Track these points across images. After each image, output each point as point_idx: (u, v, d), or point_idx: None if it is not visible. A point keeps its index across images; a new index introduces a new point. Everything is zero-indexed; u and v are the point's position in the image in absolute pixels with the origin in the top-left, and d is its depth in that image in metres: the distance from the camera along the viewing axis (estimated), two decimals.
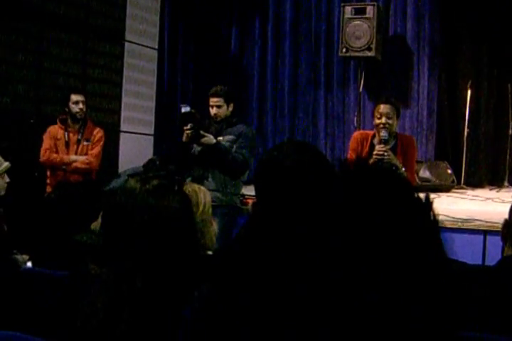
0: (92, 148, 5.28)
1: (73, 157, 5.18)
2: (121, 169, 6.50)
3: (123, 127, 6.96)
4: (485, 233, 4.62)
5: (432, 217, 0.82)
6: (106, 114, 6.71)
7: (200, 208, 2.03)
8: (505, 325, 1.71)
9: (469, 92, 6.67)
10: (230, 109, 4.81)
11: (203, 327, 1.16)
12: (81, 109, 5.21)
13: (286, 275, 0.84)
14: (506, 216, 1.98)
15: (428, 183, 6.19)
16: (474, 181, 6.87)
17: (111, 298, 1.46)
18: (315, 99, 7.58)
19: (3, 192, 3.70)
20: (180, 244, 1.53)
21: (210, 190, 2.71)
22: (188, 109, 4.69)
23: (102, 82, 6.72)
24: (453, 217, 4.68)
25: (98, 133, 5.36)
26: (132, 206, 1.52)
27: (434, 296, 0.80)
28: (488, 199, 5.68)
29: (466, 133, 6.61)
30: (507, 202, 4.60)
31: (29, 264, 2.77)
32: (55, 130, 5.26)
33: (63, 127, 5.25)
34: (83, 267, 1.66)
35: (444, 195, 5.97)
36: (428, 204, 0.82)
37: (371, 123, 4.82)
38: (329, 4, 7.46)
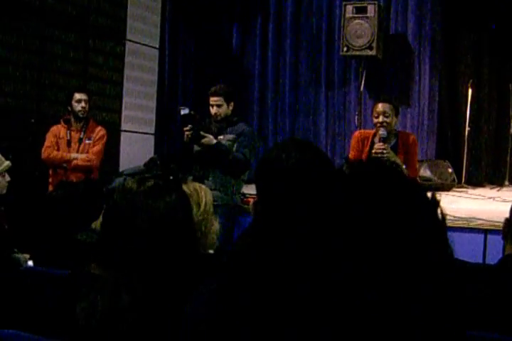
0: (94, 146, 5.28)
1: (74, 154, 5.18)
2: (122, 168, 6.50)
3: (124, 126, 6.96)
4: (486, 232, 4.62)
5: (439, 216, 0.81)
6: (107, 113, 6.71)
7: (202, 207, 2.02)
8: (507, 323, 1.71)
9: (470, 91, 6.67)
10: (231, 107, 4.81)
11: (204, 326, 1.16)
12: (83, 108, 5.21)
13: (288, 275, 0.84)
14: (507, 215, 1.98)
15: (429, 182, 6.19)
16: (475, 180, 6.86)
17: (111, 297, 1.46)
18: (316, 98, 7.57)
19: (4, 191, 3.70)
20: (179, 244, 1.53)
21: (210, 189, 2.70)
22: (186, 111, 4.70)
23: (103, 81, 6.71)
24: (454, 216, 4.68)
25: (100, 131, 5.36)
26: (129, 206, 1.53)
27: (435, 296, 0.79)
28: (489, 198, 5.68)
29: (467, 132, 6.60)
30: (508, 201, 4.60)
31: (30, 263, 2.77)
32: (58, 129, 5.28)
33: (66, 126, 5.26)
34: (84, 266, 1.66)
35: (444, 194, 5.96)
36: (435, 203, 0.82)
37: (372, 122, 4.84)
38: (330, 3, 7.45)
